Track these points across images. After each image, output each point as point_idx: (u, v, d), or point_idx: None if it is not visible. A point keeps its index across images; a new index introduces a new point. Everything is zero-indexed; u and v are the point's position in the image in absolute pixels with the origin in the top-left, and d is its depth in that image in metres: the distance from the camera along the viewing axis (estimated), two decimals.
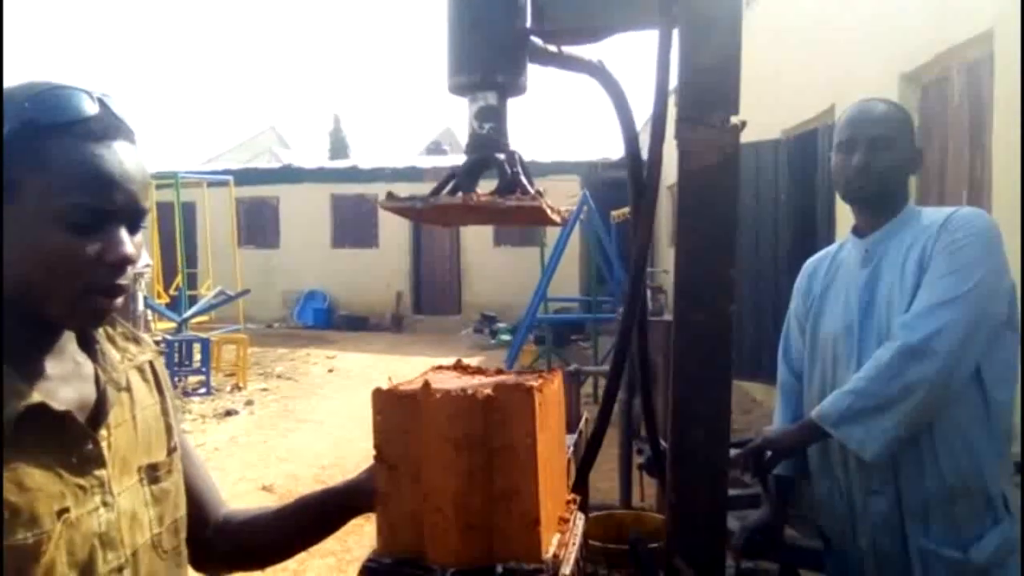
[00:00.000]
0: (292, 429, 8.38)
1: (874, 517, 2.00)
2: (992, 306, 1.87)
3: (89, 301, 0.96)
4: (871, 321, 2.02)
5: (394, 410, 1.07)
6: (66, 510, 0.93)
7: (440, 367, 1.27)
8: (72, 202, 0.92)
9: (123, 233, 0.96)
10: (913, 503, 1.94)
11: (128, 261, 0.96)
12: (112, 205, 0.94)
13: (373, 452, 1.09)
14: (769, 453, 2.06)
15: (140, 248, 0.99)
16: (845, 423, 1.90)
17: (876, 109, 2.09)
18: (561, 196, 13.47)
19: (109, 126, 0.96)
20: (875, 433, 1.86)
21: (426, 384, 1.07)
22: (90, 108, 0.95)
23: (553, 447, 1.16)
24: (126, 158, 0.96)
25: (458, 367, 1.27)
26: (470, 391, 1.05)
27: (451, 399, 1.04)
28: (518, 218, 1.16)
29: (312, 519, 1.30)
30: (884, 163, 2.01)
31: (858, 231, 2.14)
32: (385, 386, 1.11)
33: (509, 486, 1.03)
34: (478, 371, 1.25)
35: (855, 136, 2.04)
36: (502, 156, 1.13)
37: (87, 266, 0.93)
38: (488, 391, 1.05)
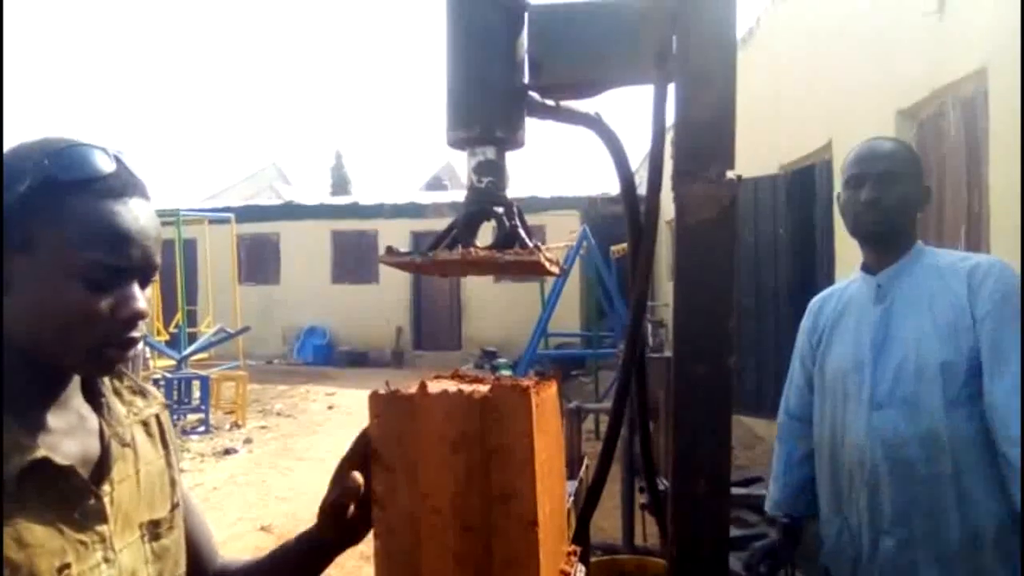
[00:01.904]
0: (291, 468, 8.32)
1: (882, 559, 1.98)
2: None
3: (101, 354, 0.97)
4: (886, 358, 2.00)
5: (391, 412, 1.07)
6: (67, 566, 0.92)
7: (438, 376, 1.28)
8: (90, 259, 0.93)
9: (136, 289, 0.98)
10: (930, 551, 1.92)
11: (141, 316, 0.98)
12: (128, 262, 0.96)
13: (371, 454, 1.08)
14: None
15: (149, 301, 1.01)
16: None
17: (884, 146, 2.11)
18: (561, 231, 13.51)
19: (126, 183, 0.98)
20: None
21: (422, 385, 1.08)
22: (107, 166, 0.97)
23: (551, 451, 1.17)
24: (142, 215, 0.98)
25: (456, 376, 1.28)
26: (467, 391, 1.06)
27: (447, 398, 1.05)
28: (516, 271, 1.17)
29: (297, 562, 1.25)
30: (893, 198, 2.01)
31: (868, 268, 2.14)
32: (382, 392, 1.11)
33: (506, 487, 1.04)
34: (475, 379, 1.25)
35: (864, 172, 2.05)
36: (500, 209, 1.14)
37: (101, 321, 0.95)
38: (484, 391, 1.06)
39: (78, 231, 0.93)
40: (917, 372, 1.94)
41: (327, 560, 1.24)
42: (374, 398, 1.08)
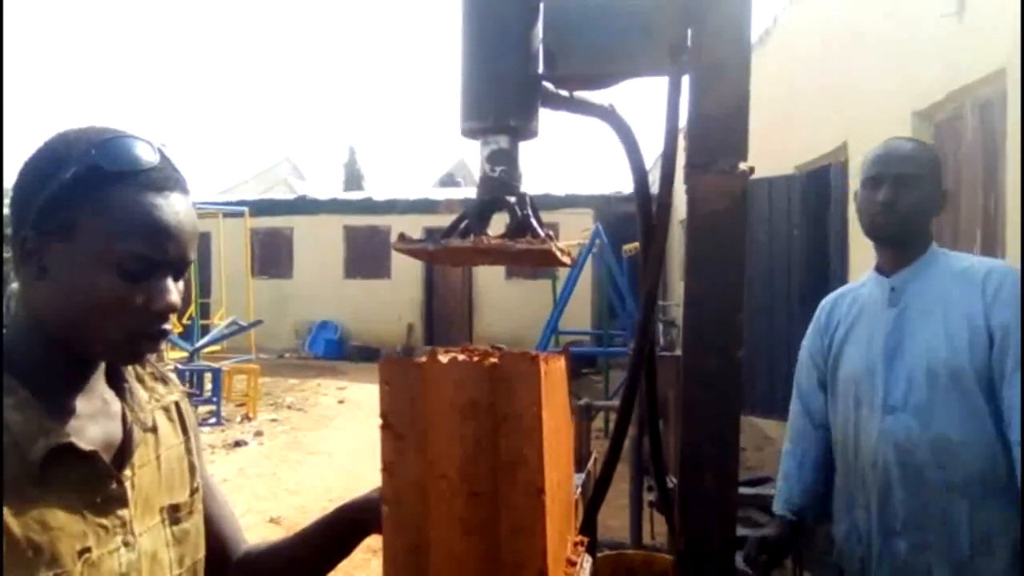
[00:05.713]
0: (301, 461, 8.36)
1: (895, 560, 1.97)
2: None
3: (131, 344, 0.99)
4: (899, 362, 1.99)
5: (401, 379, 1.08)
6: (87, 550, 0.94)
7: (448, 349, 1.29)
8: (128, 251, 0.95)
9: (169, 282, 0.99)
10: (943, 556, 1.91)
11: (173, 309, 1.00)
12: (164, 255, 0.98)
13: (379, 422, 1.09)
14: None
15: (182, 293, 1.03)
16: None
17: (904, 147, 2.08)
18: (574, 230, 13.51)
19: (168, 177, 1.00)
20: None
21: (433, 352, 1.09)
22: (152, 159, 0.99)
23: (558, 422, 1.18)
24: (181, 209, 1.00)
25: (465, 350, 1.29)
26: (476, 359, 1.08)
27: (458, 366, 1.06)
28: (528, 260, 1.17)
29: (325, 540, 1.29)
30: (909, 201, 2.00)
31: (881, 270, 2.12)
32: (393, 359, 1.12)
33: (514, 454, 1.05)
34: (484, 353, 1.26)
35: (881, 173, 2.03)
36: (513, 199, 1.14)
37: (134, 312, 0.96)
38: (494, 359, 1.07)
39: (118, 222, 0.95)
40: (930, 378, 1.93)
41: (363, 536, 1.27)
42: (385, 365, 1.09)
